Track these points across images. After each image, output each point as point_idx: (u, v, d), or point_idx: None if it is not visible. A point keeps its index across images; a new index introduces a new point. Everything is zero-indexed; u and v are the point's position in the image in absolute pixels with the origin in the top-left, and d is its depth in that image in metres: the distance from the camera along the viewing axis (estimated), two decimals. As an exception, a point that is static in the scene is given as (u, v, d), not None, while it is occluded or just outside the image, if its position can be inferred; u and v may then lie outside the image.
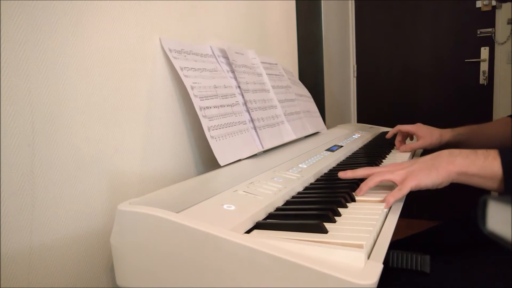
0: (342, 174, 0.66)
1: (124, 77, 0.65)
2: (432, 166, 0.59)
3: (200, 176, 0.66)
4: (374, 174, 0.61)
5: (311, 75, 1.79)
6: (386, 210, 0.54)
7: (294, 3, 1.48)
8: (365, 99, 2.56)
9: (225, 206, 0.48)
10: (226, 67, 0.89)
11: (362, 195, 0.60)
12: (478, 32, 2.21)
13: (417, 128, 1.01)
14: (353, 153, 0.98)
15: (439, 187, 0.59)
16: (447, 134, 0.99)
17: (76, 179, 0.56)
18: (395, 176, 0.60)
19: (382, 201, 0.57)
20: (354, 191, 0.61)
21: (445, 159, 0.59)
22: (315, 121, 1.23)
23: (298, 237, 0.43)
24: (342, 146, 0.99)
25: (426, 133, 0.99)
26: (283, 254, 0.36)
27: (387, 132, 1.33)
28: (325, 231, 0.44)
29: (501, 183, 0.55)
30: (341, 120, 2.30)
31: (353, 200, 0.59)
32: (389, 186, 0.63)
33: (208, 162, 0.84)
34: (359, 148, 1.06)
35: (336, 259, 0.37)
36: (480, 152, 0.58)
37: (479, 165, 0.57)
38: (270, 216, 0.51)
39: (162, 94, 0.74)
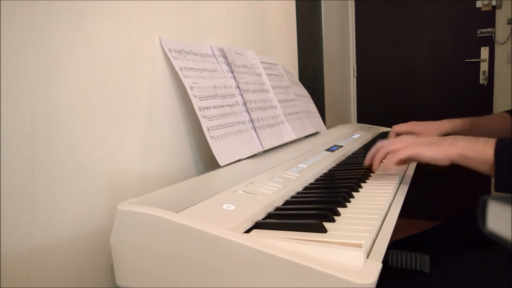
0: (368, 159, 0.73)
1: (124, 77, 0.65)
2: (435, 143, 0.64)
3: (199, 176, 0.66)
4: (380, 149, 0.68)
5: (311, 75, 1.79)
6: (385, 209, 0.54)
7: (294, 3, 1.48)
8: (365, 99, 2.56)
9: (224, 206, 0.48)
10: (226, 67, 0.89)
11: (376, 169, 0.71)
12: (478, 32, 2.21)
13: (413, 126, 1.00)
14: (353, 153, 0.98)
15: (438, 163, 0.63)
16: (445, 125, 0.99)
17: (76, 179, 0.57)
18: (397, 145, 0.65)
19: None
20: (353, 191, 0.61)
21: (449, 141, 0.64)
22: (315, 121, 1.23)
23: (297, 237, 0.43)
24: (342, 146, 0.99)
25: (423, 129, 0.98)
26: (282, 253, 0.36)
27: (387, 132, 1.33)
28: (324, 230, 0.44)
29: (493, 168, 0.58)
30: (341, 120, 2.30)
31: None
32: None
33: (208, 162, 0.84)
34: (359, 148, 1.06)
35: (335, 258, 0.37)
36: (482, 139, 0.62)
37: (477, 150, 0.60)
38: (269, 216, 0.51)
39: (162, 94, 0.74)
